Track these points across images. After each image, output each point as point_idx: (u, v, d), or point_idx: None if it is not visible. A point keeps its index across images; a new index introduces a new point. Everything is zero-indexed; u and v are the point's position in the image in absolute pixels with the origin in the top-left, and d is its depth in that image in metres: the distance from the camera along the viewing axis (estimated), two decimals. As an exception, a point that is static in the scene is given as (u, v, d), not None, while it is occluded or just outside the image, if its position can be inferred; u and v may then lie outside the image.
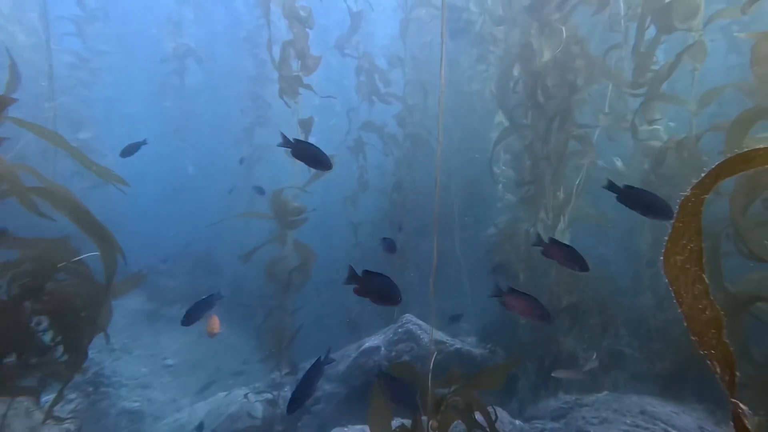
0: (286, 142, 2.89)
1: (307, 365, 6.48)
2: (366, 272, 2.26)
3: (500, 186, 7.31)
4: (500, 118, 7.28)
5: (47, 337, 2.65)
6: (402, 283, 8.65)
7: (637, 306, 4.99)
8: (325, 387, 5.66)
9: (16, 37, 8.91)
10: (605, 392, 3.71)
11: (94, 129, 9.30)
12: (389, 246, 3.56)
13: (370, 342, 6.23)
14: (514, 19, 6.33)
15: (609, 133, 4.97)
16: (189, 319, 3.13)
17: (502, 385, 2.21)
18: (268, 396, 5.10)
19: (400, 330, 6.24)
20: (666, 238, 1.12)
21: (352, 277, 2.24)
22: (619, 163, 5.21)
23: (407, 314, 6.93)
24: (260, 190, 5.03)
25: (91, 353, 6.34)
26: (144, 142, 4.70)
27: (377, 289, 2.24)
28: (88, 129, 9.12)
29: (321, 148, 5.73)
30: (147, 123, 13.16)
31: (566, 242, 5.72)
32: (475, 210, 9.46)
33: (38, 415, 2.84)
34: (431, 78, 8.65)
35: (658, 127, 4.43)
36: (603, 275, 5.30)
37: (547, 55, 5.08)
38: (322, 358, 2.54)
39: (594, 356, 4.03)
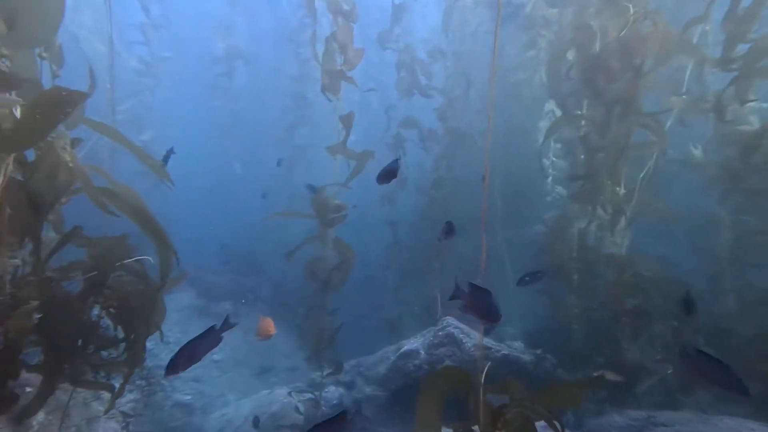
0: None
1: (348, 366, 6.45)
2: (471, 286, 2.20)
3: (550, 179, 6.83)
4: (551, 106, 6.80)
5: (111, 332, 2.75)
6: (441, 284, 8.29)
7: (717, 313, 4.38)
8: (365, 389, 5.58)
9: (96, 46, 9.68)
10: (685, 411, 3.24)
11: (154, 131, 9.85)
12: (448, 229, 3.37)
13: (409, 345, 6.06)
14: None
15: (683, 118, 4.40)
16: (175, 367, 2.21)
17: (579, 405, 1.95)
18: (310, 396, 5.10)
19: (440, 333, 6.02)
20: None
21: (458, 291, 2.23)
22: (697, 152, 4.61)
23: (448, 317, 6.69)
24: (312, 189, 5.02)
25: (149, 345, 6.74)
26: (172, 151, 4.78)
27: (479, 305, 2.19)
28: (149, 131, 9.67)
29: (359, 144, 5.57)
30: (198, 124, 13.86)
31: (626, 242, 5.23)
32: (519, 207, 9.00)
33: (95, 406, 2.97)
34: (475, 69, 8.30)
35: (754, 105, 3.81)
36: (672, 276, 4.73)
37: (610, 36, 4.61)
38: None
39: (669, 370, 3.56)
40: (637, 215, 4.86)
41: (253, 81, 12.97)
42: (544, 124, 6.83)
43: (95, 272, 2.56)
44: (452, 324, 6.16)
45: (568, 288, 5.76)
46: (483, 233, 2.70)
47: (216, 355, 6.87)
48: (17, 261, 1.98)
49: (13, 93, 1.97)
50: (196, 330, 7.89)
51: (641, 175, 4.56)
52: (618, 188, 4.94)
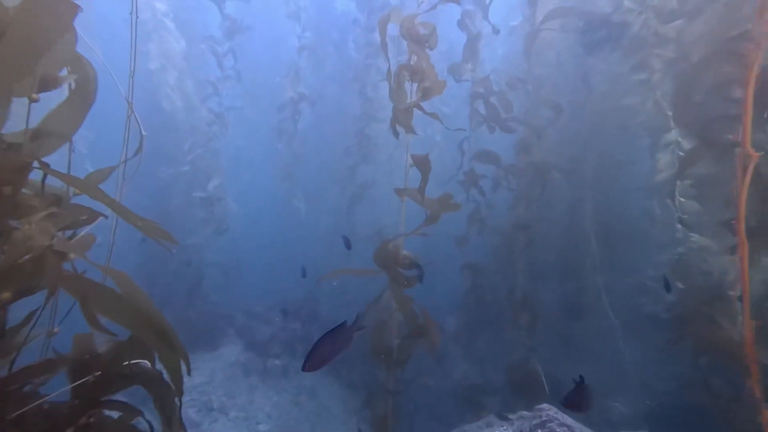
0: None
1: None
2: None
3: (678, 224, 5.27)
4: (674, 136, 5.40)
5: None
6: (532, 344, 6.78)
7: None
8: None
9: (175, 102, 10.50)
10: None
11: (221, 178, 10.04)
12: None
13: (496, 440, 4.69)
14: (699, 9, 4.71)
15: None
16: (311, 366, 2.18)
17: None
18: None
19: (539, 431, 4.59)
20: None
21: None
22: None
23: (545, 405, 5.22)
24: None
25: (192, 412, 6.27)
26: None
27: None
28: (216, 178, 9.86)
29: (428, 182, 4.69)
30: (266, 168, 14.28)
31: None
32: (618, 251, 7.45)
33: None
34: (559, 98, 7.24)
35: None
36: None
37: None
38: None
39: None
40: None
41: (318, 122, 13.12)
42: (665, 158, 5.41)
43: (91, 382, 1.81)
44: (555, 418, 4.70)
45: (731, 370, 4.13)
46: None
47: (261, 425, 6.03)
48: None
49: None
50: (242, 392, 7.33)
51: None
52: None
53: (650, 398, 6.40)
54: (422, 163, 4.05)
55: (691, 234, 5.16)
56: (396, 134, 4.52)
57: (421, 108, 4.25)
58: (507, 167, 6.95)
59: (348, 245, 5.30)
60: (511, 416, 5.50)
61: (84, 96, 2.43)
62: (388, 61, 4.36)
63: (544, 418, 4.61)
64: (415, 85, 4.51)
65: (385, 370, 3.93)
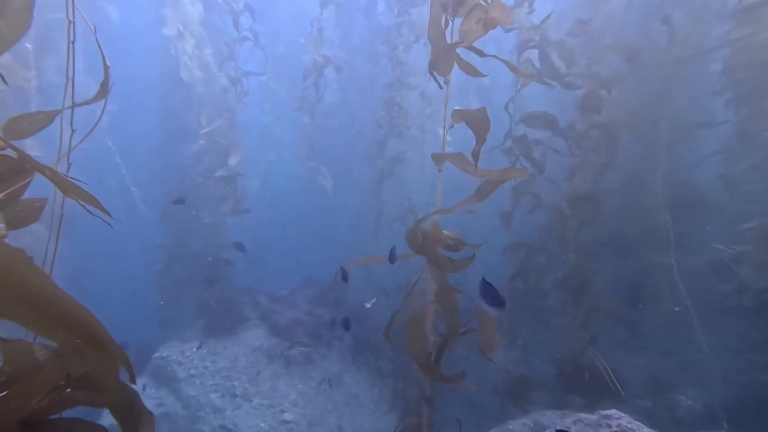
0: None
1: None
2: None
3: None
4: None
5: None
6: (590, 333, 5.79)
7: None
8: None
9: (193, 72, 9.92)
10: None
11: (241, 154, 9.40)
12: None
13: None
14: None
15: None
16: None
17: None
18: None
19: (606, 442, 3.77)
20: None
21: None
22: None
23: (614, 411, 4.37)
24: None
25: (215, 397, 5.97)
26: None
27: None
28: (236, 154, 9.23)
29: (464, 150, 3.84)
30: (292, 147, 13.80)
31: None
32: (688, 225, 6.57)
33: None
34: (634, 44, 5.98)
35: None
36: None
37: None
38: None
39: None
40: None
41: (345, 96, 12.37)
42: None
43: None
44: (625, 426, 3.87)
45: None
46: None
47: (287, 413, 5.61)
48: None
49: None
50: (265, 379, 6.96)
51: None
52: None
53: (727, 392, 5.59)
54: (477, 121, 3.09)
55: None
56: (439, 84, 3.66)
57: (475, 49, 3.33)
58: (566, 130, 5.85)
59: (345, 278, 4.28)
60: (566, 419, 4.73)
61: (12, 15, 1.78)
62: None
63: (614, 429, 3.77)
64: (459, 21, 3.60)
65: (421, 373, 3.23)
